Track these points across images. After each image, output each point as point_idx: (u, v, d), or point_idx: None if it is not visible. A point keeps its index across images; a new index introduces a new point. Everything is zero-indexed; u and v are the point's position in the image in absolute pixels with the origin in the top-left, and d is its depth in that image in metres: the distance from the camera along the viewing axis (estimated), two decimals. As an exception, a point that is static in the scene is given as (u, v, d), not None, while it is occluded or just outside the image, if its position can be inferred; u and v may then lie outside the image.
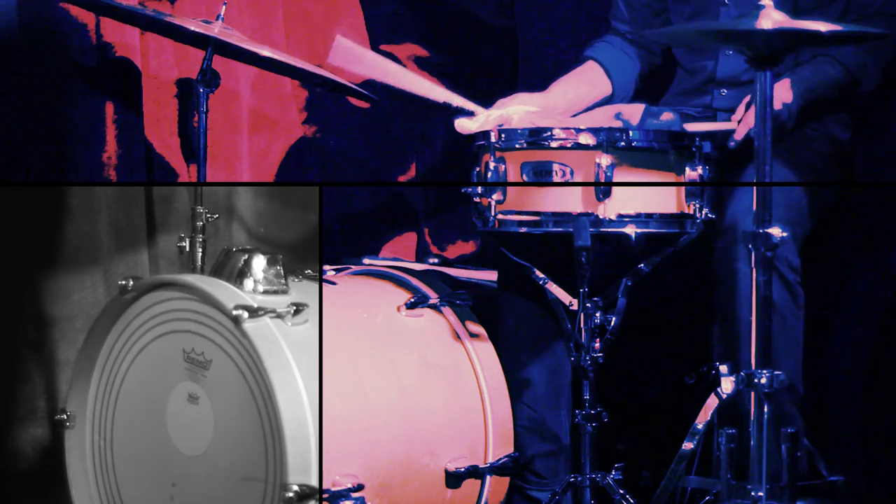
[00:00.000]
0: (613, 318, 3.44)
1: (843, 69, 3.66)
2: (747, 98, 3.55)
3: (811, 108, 3.63)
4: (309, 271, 3.52)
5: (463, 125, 3.59)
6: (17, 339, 3.84)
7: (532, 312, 3.70)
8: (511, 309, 3.75)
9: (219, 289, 3.31)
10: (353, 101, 4.29)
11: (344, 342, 3.42)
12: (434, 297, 3.61)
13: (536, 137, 3.42)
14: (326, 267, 3.66)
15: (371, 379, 3.42)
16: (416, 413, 3.45)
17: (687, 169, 3.41)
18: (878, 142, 3.99)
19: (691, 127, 3.53)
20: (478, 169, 3.51)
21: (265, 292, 3.36)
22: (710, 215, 3.45)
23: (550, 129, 3.41)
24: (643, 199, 3.39)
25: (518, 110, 3.62)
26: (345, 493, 3.31)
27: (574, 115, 3.78)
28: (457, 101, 3.62)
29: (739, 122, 3.54)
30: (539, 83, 3.85)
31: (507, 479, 3.56)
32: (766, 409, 3.19)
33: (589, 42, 4.01)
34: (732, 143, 3.54)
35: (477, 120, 3.58)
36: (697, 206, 3.42)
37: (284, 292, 3.38)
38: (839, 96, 3.69)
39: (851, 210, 3.87)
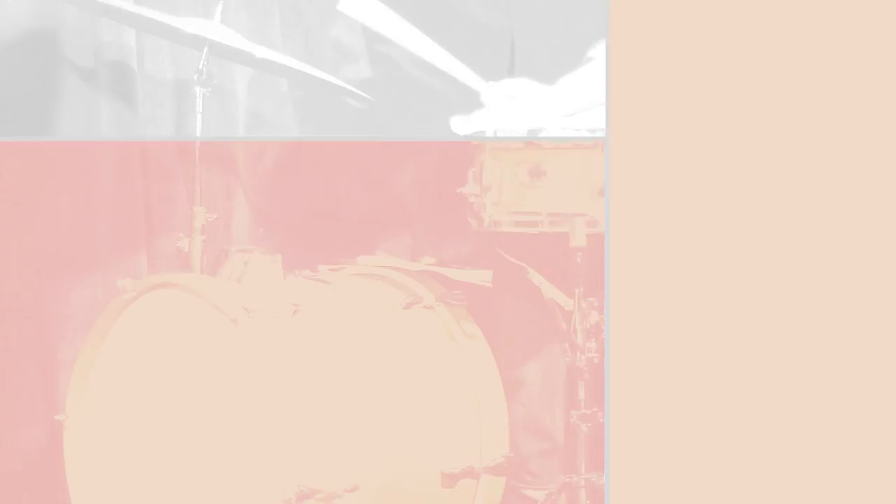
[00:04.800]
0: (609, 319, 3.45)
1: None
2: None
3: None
4: (307, 271, 3.53)
5: (459, 124, 3.59)
6: (17, 339, 3.83)
7: (527, 312, 3.71)
8: (506, 309, 3.76)
9: (219, 289, 3.32)
10: (350, 101, 4.29)
11: (340, 342, 3.43)
12: (429, 298, 3.62)
13: (533, 137, 3.43)
14: (323, 266, 3.67)
15: (367, 379, 3.43)
16: (411, 413, 3.46)
17: (685, 169, 3.43)
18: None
19: None
20: (473, 169, 3.51)
21: (265, 292, 3.37)
22: (709, 215, 3.46)
23: (548, 128, 3.42)
24: (642, 199, 3.40)
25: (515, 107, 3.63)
26: (342, 494, 3.31)
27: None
28: (463, 74, 3.58)
29: None
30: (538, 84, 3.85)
31: (502, 479, 3.58)
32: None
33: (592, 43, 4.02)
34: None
35: (475, 119, 3.58)
36: (696, 206, 3.43)
37: (284, 292, 3.39)
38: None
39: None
